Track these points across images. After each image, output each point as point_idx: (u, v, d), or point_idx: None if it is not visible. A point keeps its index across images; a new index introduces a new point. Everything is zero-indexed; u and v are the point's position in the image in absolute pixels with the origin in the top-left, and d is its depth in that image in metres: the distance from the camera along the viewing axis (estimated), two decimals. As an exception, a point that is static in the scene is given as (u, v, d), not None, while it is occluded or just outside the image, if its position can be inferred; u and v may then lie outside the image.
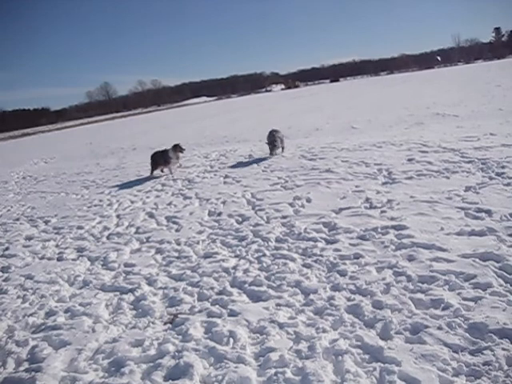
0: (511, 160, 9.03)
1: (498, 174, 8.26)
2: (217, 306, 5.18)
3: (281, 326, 4.56)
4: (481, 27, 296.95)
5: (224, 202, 9.30)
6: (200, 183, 11.59)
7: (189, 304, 5.35)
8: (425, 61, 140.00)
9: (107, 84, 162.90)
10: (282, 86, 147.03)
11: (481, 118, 15.90)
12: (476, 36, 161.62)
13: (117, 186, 13.17)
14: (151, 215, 9.36)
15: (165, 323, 5.03)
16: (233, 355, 4.18)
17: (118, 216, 9.74)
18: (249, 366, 4.03)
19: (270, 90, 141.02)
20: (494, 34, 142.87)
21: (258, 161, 13.19)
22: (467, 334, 3.96)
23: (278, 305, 4.99)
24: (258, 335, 4.49)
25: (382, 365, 3.75)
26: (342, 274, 5.45)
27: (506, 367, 3.52)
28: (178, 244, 7.40)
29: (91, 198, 12.11)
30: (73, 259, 7.47)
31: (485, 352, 3.71)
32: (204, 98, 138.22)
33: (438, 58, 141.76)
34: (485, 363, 3.59)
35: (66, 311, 5.58)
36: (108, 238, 8.37)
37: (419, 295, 4.71)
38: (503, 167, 8.62)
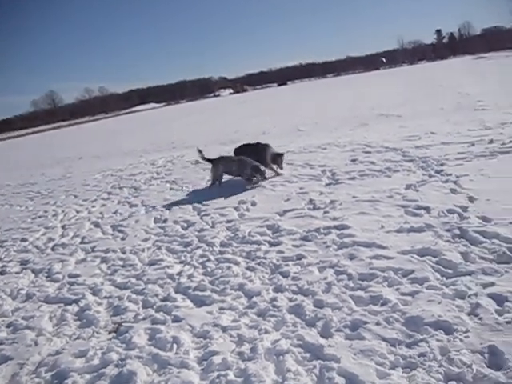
0: (450, 157, 9.32)
1: (437, 172, 8.52)
2: (161, 312, 5.19)
3: (224, 329, 4.61)
4: (423, 29, 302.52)
5: (170, 209, 9.28)
6: (146, 190, 11.56)
7: (133, 312, 5.34)
8: (370, 62, 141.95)
9: (53, 92, 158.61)
10: (231, 91, 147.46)
11: (423, 117, 16.29)
12: (419, 38, 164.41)
13: (62, 196, 12.96)
14: (97, 224, 9.27)
15: (109, 332, 5.00)
16: (176, 360, 4.20)
17: (63, 227, 9.61)
18: (192, 370, 4.06)
19: (218, 95, 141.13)
20: (435, 36, 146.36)
21: (205, 166, 13.10)
22: (404, 328, 4.09)
23: (222, 308, 5.04)
24: (202, 339, 4.52)
25: (322, 362, 3.84)
26: (285, 275, 5.53)
27: (439, 357, 3.65)
28: (124, 252, 7.36)
29: (36, 209, 11.91)
30: (16, 272, 7.34)
31: (420, 344, 3.85)
32: (152, 105, 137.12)
33: (383, 60, 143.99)
34: (420, 355, 3.72)
35: (8, 326, 5.48)
36: (53, 249, 8.25)
37: (359, 292, 4.83)
38: (442, 165, 8.88)
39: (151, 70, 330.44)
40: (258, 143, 11.37)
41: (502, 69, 36.04)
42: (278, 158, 10.76)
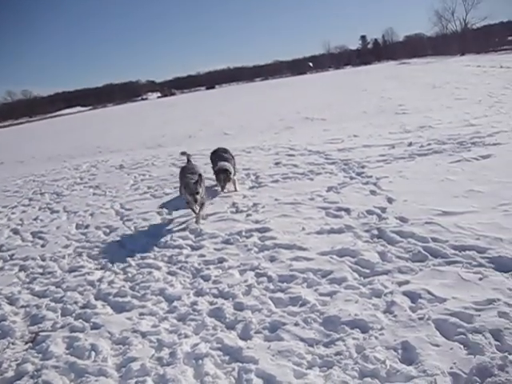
0: (371, 160, 9.57)
1: (358, 174, 8.73)
2: (80, 320, 5.06)
3: (143, 334, 4.55)
4: (349, 35, 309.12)
5: (92, 214, 9.11)
6: (69, 196, 11.28)
7: (51, 320, 5.18)
8: (297, 67, 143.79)
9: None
10: (159, 94, 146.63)
11: (346, 120, 16.66)
12: (345, 43, 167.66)
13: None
14: (16, 231, 8.96)
15: (26, 342, 4.85)
16: (94, 368, 4.12)
17: (-21, 236, 9.22)
18: (110, 377, 3.99)
19: (146, 99, 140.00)
20: (360, 42, 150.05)
21: (129, 170, 13.03)
22: (322, 328, 4.16)
23: (142, 314, 4.98)
24: (121, 346, 4.45)
25: (241, 364, 3.85)
26: (206, 278, 5.53)
27: (355, 355, 3.74)
28: (43, 260, 7.14)
29: (-51, 219, 11.38)
30: None
31: (337, 343, 3.93)
32: (78, 108, 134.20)
33: (310, 64, 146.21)
34: (336, 353, 3.80)
35: None
36: (-33, 259, 7.90)
37: (279, 294, 4.88)
38: (363, 167, 9.11)
39: (77, 72, 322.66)
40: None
41: (422, 74, 37.29)
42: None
